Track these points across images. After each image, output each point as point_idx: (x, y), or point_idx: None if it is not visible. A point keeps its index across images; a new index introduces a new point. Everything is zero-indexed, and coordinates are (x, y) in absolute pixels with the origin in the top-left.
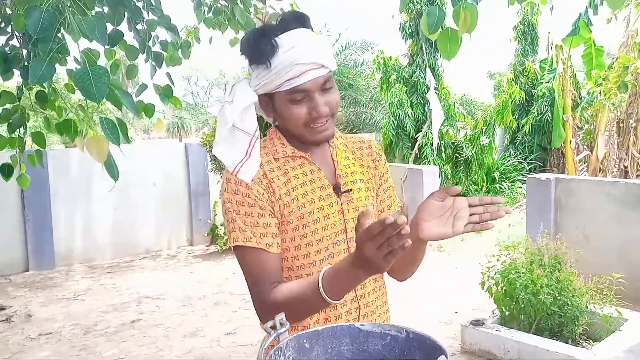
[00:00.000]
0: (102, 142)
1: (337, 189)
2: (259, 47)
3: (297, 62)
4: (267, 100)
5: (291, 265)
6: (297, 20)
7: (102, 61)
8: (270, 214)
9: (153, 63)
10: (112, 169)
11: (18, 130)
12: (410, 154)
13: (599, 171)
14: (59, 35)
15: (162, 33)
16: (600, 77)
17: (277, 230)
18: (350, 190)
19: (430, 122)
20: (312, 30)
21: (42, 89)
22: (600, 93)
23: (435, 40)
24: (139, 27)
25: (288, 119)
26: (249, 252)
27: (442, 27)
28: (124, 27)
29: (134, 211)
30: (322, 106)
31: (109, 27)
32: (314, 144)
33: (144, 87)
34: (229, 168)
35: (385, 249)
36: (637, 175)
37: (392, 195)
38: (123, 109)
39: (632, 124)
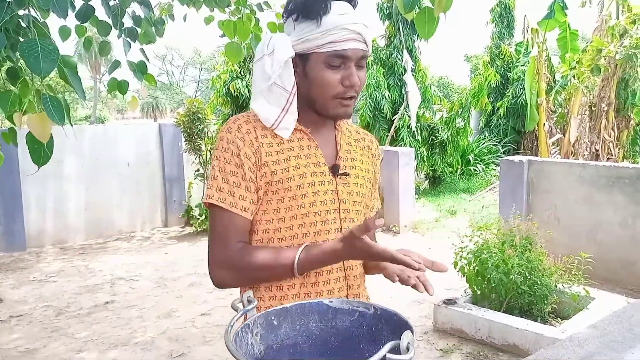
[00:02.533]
0: (45, 120)
1: (334, 170)
2: (313, 3)
3: (346, 27)
4: (299, 62)
5: (272, 237)
6: None
7: (73, 37)
8: (251, 180)
9: (127, 39)
10: (38, 153)
11: None
12: (387, 135)
13: (571, 154)
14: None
15: (135, 9)
16: (574, 60)
17: (255, 197)
18: (348, 174)
19: (407, 104)
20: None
21: (12, 64)
22: (574, 77)
23: (413, 22)
24: (112, 2)
25: (319, 83)
26: (221, 212)
27: (418, 6)
28: (96, 2)
29: (107, 192)
30: (356, 77)
31: (80, 3)
32: (333, 117)
33: (117, 63)
34: (267, 124)
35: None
36: (608, 159)
37: (377, 197)
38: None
39: (604, 107)
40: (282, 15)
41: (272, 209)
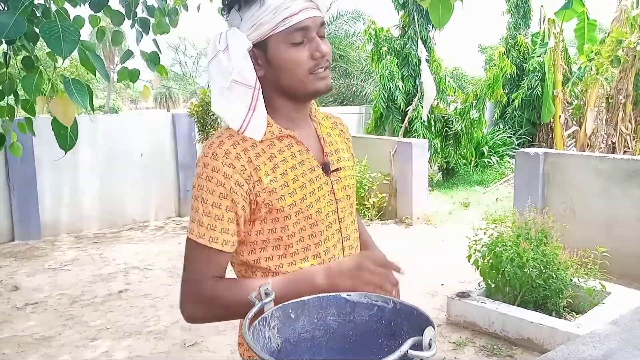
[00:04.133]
0: (69, 103)
1: (326, 167)
2: None
3: None
4: (258, 53)
5: (284, 252)
6: None
7: (87, 28)
8: (243, 208)
9: (139, 29)
10: (64, 138)
11: (7, 98)
12: (400, 127)
13: (587, 147)
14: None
15: None
16: (592, 51)
17: (236, 229)
18: (339, 168)
19: (421, 95)
20: None
21: (28, 54)
22: (592, 68)
23: (427, 11)
24: None
25: (287, 67)
26: (199, 247)
27: None
28: None
29: (120, 181)
30: (323, 45)
31: None
32: (313, 95)
33: (129, 53)
34: (233, 126)
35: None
36: (625, 151)
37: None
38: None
39: (621, 99)
40: (222, 12)
41: (280, 227)
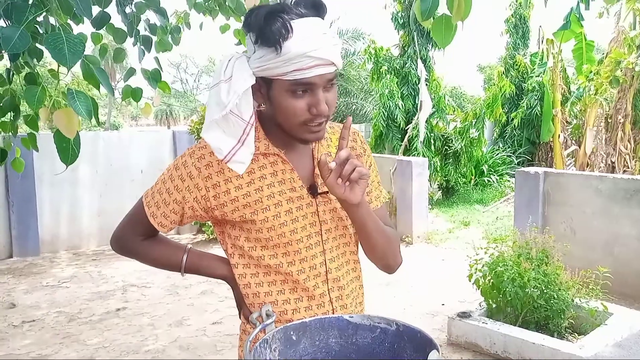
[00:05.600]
0: (72, 115)
1: (312, 189)
2: (271, 27)
3: (310, 54)
4: (262, 84)
5: (258, 263)
6: (314, 7)
7: (89, 45)
8: (192, 208)
9: (142, 47)
10: (67, 151)
11: (10, 113)
12: (400, 145)
13: (587, 166)
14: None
15: (151, 17)
16: (591, 71)
17: (177, 219)
18: (328, 191)
19: (420, 114)
20: (324, 19)
21: (30, 71)
22: (590, 88)
23: (428, 31)
24: (127, 10)
25: (283, 112)
26: (142, 210)
27: (434, 15)
28: (112, 10)
29: (120, 198)
30: (323, 104)
31: (97, 10)
32: (302, 142)
33: (132, 71)
34: (219, 156)
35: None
36: (624, 171)
37: (377, 189)
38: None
39: (620, 119)
40: (243, 29)
41: (254, 238)
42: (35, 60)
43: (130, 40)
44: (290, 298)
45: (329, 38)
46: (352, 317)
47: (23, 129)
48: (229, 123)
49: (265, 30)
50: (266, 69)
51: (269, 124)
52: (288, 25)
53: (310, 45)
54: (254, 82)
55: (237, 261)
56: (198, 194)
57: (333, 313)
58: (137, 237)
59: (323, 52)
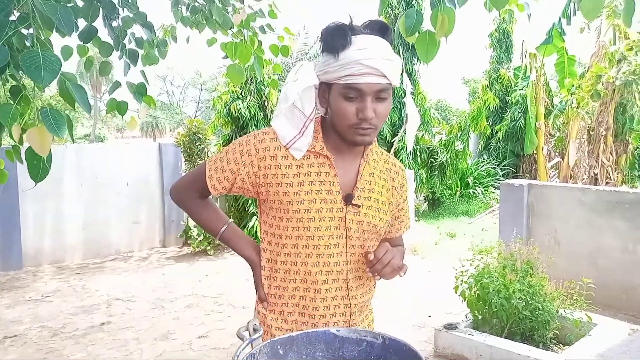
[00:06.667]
0: (46, 134)
1: (347, 198)
2: (334, 38)
3: (362, 62)
4: (325, 89)
5: (279, 250)
6: (380, 29)
7: (75, 57)
8: (242, 180)
9: (127, 60)
10: (37, 169)
11: None
12: None
13: (570, 178)
14: (29, 31)
15: (138, 30)
16: (573, 85)
17: (228, 186)
18: (360, 206)
19: (407, 126)
20: (390, 43)
21: (16, 83)
22: (573, 102)
23: (413, 45)
24: (114, 24)
25: (336, 113)
26: (203, 171)
27: (419, 30)
28: (99, 24)
29: (105, 211)
30: (370, 110)
31: (83, 23)
32: (352, 144)
33: (117, 84)
34: (283, 142)
35: None
36: (607, 183)
37: (404, 220)
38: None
39: (602, 132)
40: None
41: (283, 226)
42: (20, 72)
43: (116, 53)
44: (300, 287)
45: (382, 52)
46: (339, 330)
47: (7, 141)
48: (294, 115)
49: (330, 41)
50: (326, 73)
51: (328, 129)
52: (348, 37)
53: (363, 54)
54: (317, 82)
55: (265, 247)
56: (251, 169)
57: (334, 313)
58: (193, 193)
59: (375, 62)
